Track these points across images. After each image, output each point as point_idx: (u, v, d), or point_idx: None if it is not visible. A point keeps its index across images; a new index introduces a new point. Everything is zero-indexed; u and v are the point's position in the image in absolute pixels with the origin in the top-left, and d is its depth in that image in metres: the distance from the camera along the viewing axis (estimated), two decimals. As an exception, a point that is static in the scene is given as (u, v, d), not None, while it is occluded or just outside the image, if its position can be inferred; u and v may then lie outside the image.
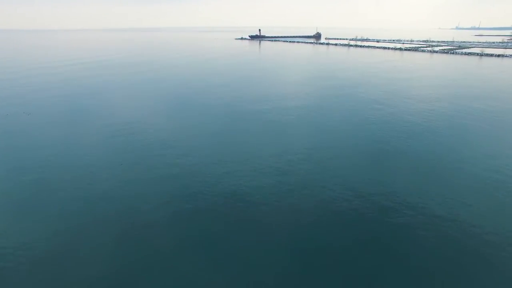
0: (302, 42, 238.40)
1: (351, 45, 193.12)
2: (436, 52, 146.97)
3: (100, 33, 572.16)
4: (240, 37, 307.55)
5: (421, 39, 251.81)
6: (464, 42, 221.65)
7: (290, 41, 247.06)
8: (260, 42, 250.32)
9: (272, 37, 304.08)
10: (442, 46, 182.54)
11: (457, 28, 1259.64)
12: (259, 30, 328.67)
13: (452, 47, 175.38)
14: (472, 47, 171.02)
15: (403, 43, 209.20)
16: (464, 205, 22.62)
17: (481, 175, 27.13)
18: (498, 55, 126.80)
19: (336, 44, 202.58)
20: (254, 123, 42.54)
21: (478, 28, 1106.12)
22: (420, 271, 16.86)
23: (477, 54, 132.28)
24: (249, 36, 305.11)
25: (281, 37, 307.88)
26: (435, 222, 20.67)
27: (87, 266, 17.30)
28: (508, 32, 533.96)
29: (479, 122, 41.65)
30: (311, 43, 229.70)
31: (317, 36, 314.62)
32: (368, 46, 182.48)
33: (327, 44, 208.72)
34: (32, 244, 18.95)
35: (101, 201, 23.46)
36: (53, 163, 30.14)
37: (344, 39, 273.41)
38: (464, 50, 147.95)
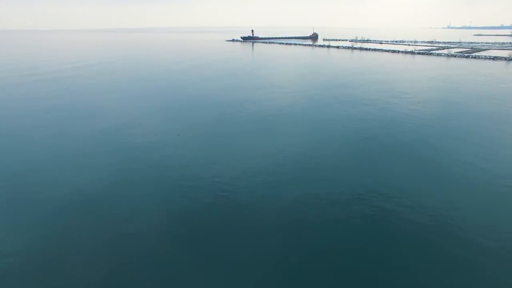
0: (299, 44, 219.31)
1: (355, 48, 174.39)
2: (454, 56, 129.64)
3: (84, 34, 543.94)
4: (231, 39, 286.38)
5: (426, 40, 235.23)
6: (472, 43, 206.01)
7: (286, 43, 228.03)
8: (253, 44, 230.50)
9: (266, 38, 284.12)
10: (452, 47, 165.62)
11: (448, 27, 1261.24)
12: (252, 31, 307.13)
13: (466, 49, 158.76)
14: (485, 50, 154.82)
15: (409, 45, 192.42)
16: (462, 205, 22.63)
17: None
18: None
19: (338, 47, 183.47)
20: (248, 127, 40.38)
21: (470, 28, 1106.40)
22: (414, 269, 17.02)
23: (505, 58, 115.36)
24: (241, 37, 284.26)
25: (276, 38, 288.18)
26: (433, 221, 20.78)
27: (78, 269, 17.11)
28: (502, 32, 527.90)
29: None
30: (309, 45, 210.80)
31: (314, 37, 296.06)
32: (374, 49, 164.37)
33: (328, 46, 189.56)
34: (23, 246, 18.83)
35: (91, 203, 23.18)
36: (41, 164, 29.71)
37: (344, 40, 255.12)
38: (483, 54, 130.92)
